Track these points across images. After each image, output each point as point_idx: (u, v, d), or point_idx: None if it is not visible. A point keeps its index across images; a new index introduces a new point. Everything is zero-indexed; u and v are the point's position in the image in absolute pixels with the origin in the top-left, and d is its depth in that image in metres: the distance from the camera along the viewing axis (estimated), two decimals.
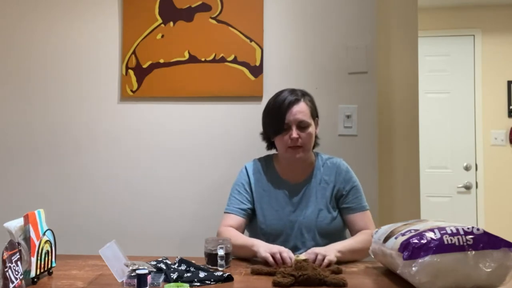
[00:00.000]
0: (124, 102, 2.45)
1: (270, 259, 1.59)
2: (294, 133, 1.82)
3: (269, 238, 1.84)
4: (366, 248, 1.71)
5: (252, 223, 1.93)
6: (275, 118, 1.85)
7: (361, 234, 1.83)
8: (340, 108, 2.34)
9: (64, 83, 2.49)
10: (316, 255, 1.59)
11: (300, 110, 1.84)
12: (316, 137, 1.94)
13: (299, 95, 1.88)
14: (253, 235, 1.92)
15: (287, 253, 1.60)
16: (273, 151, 2.01)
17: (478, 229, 1.31)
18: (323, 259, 1.57)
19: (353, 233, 1.88)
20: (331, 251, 1.63)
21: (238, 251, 1.72)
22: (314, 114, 1.91)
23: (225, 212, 1.92)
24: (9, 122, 2.50)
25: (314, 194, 1.89)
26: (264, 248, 1.64)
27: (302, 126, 1.83)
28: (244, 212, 1.89)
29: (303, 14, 2.38)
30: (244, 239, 1.77)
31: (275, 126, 1.86)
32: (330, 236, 1.82)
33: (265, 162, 1.98)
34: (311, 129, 1.86)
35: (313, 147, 1.95)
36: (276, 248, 1.62)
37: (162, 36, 2.43)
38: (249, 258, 1.72)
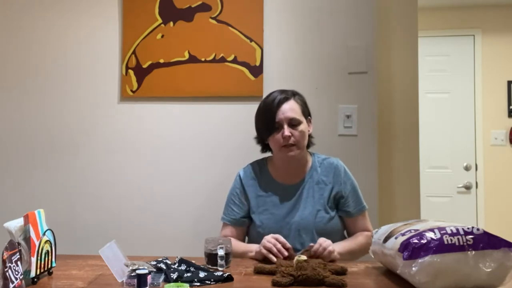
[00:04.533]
0: (124, 102, 2.45)
1: (270, 256, 1.63)
2: (286, 131, 1.81)
3: None
4: (363, 250, 1.81)
5: (250, 228, 1.94)
6: (266, 118, 1.85)
7: (360, 236, 1.86)
8: (340, 108, 2.34)
9: (63, 83, 2.49)
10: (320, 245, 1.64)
11: (290, 108, 1.84)
12: (310, 136, 1.93)
13: (289, 94, 1.89)
14: (251, 238, 1.93)
15: (282, 243, 1.66)
16: (267, 154, 2.01)
17: (478, 229, 1.31)
18: (326, 250, 1.62)
19: (352, 235, 1.90)
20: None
21: (241, 255, 1.78)
22: (306, 112, 1.91)
23: (222, 221, 1.95)
24: (8, 122, 2.50)
25: (311, 195, 1.89)
26: (259, 249, 1.69)
27: (293, 123, 1.83)
28: (240, 222, 1.92)
29: (303, 14, 2.38)
30: (242, 247, 1.81)
31: (266, 126, 1.86)
32: (328, 236, 1.81)
33: (259, 166, 1.98)
34: (303, 126, 1.86)
35: (308, 147, 1.95)
36: (269, 244, 1.66)
37: (162, 36, 2.43)
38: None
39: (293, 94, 1.90)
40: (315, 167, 1.93)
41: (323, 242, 1.66)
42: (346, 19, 2.35)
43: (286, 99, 1.85)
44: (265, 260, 1.66)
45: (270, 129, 1.85)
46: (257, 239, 1.84)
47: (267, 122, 1.85)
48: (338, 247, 1.72)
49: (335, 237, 1.83)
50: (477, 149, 4.24)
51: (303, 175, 1.92)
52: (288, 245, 1.67)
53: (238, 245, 1.80)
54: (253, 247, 1.76)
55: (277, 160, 1.94)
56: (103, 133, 2.46)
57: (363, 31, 2.34)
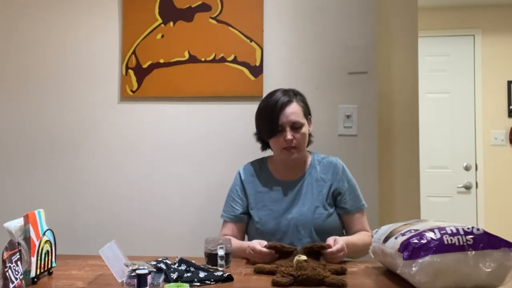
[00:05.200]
0: (124, 102, 2.45)
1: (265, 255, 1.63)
2: (289, 135, 1.82)
3: (265, 237, 1.84)
4: (365, 249, 1.78)
5: (248, 224, 1.95)
6: (269, 121, 1.86)
7: (361, 235, 1.86)
8: (340, 108, 2.34)
9: (64, 83, 2.49)
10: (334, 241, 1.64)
11: (293, 111, 1.84)
12: (310, 135, 1.94)
13: (291, 95, 1.89)
14: (250, 235, 1.94)
15: (258, 245, 1.66)
16: (267, 152, 2.01)
17: (478, 229, 1.31)
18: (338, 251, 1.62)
19: (350, 233, 1.90)
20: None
21: (237, 255, 1.76)
22: (307, 113, 1.92)
23: (222, 218, 1.96)
24: (8, 122, 2.50)
25: (310, 191, 1.89)
26: (252, 258, 1.68)
27: (295, 127, 1.84)
28: (240, 218, 1.93)
29: (303, 14, 2.38)
30: (238, 246, 1.79)
31: (269, 129, 1.87)
32: (326, 233, 1.82)
33: (259, 164, 2.00)
34: (305, 129, 1.87)
35: (307, 145, 1.95)
36: (258, 259, 1.65)
37: (162, 36, 2.43)
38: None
39: (295, 95, 1.90)
40: (314, 165, 1.94)
41: (338, 245, 1.64)
42: (346, 19, 2.35)
43: (289, 102, 1.85)
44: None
45: (272, 132, 1.86)
46: (255, 236, 1.85)
47: (269, 124, 1.86)
48: (345, 242, 1.70)
49: (334, 235, 1.82)
50: (477, 149, 4.24)
51: (303, 172, 1.93)
52: (272, 251, 1.65)
53: (233, 245, 1.79)
54: (245, 247, 1.73)
55: (277, 159, 1.95)
56: (103, 133, 2.46)
57: (363, 31, 2.34)
